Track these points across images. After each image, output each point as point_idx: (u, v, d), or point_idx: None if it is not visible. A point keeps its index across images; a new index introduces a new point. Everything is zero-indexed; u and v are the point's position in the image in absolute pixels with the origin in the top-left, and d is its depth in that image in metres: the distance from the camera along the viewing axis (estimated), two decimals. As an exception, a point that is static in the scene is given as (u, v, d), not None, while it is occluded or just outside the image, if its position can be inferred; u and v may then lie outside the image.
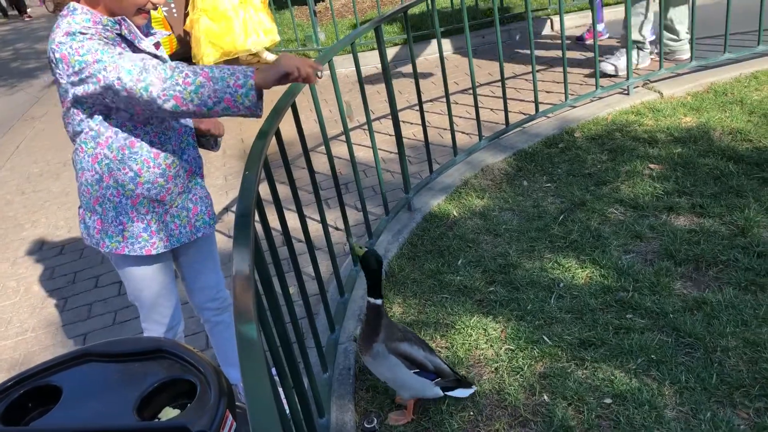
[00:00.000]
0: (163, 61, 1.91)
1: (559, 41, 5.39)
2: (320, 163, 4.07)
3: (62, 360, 1.47)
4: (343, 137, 3.84)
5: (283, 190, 2.21)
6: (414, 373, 2.07)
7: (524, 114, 4.39)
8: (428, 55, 6.42)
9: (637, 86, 4.55)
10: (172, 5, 6.66)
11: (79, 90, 1.72)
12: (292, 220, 2.30)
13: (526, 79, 5.06)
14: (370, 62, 6.09)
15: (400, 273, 2.98)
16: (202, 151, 2.10)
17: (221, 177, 4.54)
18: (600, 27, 5.66)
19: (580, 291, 2.64)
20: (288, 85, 1.95)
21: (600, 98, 4.47)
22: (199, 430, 1.24)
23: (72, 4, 1.75)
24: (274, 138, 2.07)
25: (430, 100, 5.12)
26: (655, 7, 4.77)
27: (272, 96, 2.26)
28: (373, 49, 6.23)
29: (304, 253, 2.51)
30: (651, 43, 5.01)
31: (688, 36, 4.75)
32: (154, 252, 1.96)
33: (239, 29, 6.00)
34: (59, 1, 1.79)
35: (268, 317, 1.59)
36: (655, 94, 4.43)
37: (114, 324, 3.14)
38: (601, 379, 2.21)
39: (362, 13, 8.05)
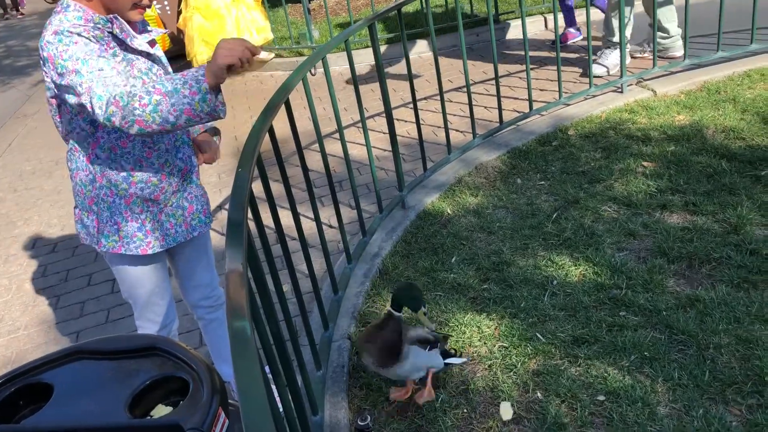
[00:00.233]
0: (158, 59, 1.90)
1: (548, 41, 5.48)
2: (314, 160, 4.06)
3: (54, 357, 1.47)
4: (337, 135, 3.84)
5: (277, 188, 2.20)
6: (428, 350, 2.16)
7: (518, 112, 4.40)
8: (413, 55, 6.32)
9: (631, 84, 4.56)
10: (166, 3, 6.63)
11: (62, 94, 1.71)
12: (286, 217, 2.29)
13: (520, 77, 5.06)
14: (364, 60, 6.07)
15: (393, 271, 2.97)
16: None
17: (215, 174, 4.53)
18: (572, 29, 5.72)
19: (573, 288, 2.65)
20: (281, 83, 1.94)
21: (594, 96, 4.47)
22: (191, 427, 1.24)
23: (66, 0, 1.74)
24: (267, 135, 2.06)
25: (424, 98, 5.12)
26: (637, 9, 4.79)
27: (265, 94, 2.26)
28: (367, 47, 6.21)
29: (297, 250, 2.51)
30: (645, 42, 5.03)
31: (680, 31, 4.76)
32: (150, 251, 1.95)
33: (231, 27, 5.98)
34: None
35: (262, 315, 1.58)
36: (648, 92, 4.44)
37: (107, 322, 3.13)
38: (595, 376, 2.21)
39: (356, 10, 8.04)
